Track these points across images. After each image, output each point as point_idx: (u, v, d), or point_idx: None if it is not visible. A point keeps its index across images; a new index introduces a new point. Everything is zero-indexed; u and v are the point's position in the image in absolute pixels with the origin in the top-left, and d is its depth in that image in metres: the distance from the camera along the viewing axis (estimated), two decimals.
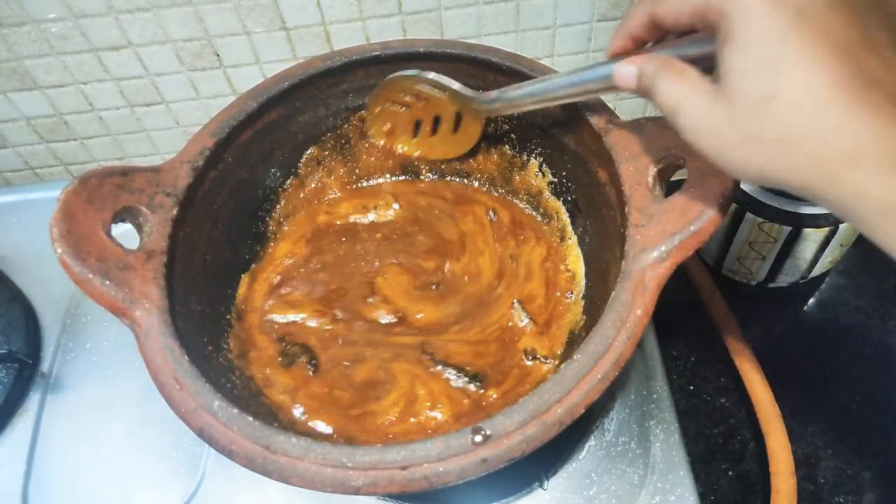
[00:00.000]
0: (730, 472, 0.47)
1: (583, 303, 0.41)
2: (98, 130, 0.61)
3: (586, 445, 0.44)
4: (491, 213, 0.47)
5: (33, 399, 0.50)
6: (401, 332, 0.42)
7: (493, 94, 0.41)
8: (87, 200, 0.32)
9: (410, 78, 0.43)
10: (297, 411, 0.38)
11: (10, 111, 0.58)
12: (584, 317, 0.40)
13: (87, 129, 0.61)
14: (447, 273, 0.44)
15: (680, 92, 0.25)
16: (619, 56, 0.30)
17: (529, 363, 0.40)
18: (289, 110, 0.43)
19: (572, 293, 0.43)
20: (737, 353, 0.50)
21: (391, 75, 0.44)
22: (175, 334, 0.31)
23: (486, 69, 0.43)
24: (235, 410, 0.29)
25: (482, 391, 0.39)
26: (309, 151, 0.47)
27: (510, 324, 0.42)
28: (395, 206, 0.48)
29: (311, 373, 0.40)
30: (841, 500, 0.45)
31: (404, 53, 0.43)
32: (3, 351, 0.50)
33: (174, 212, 0.35)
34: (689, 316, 0.54)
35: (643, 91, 0.28)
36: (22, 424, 0.49)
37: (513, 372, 0.40)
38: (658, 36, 0.29)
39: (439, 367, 0.39)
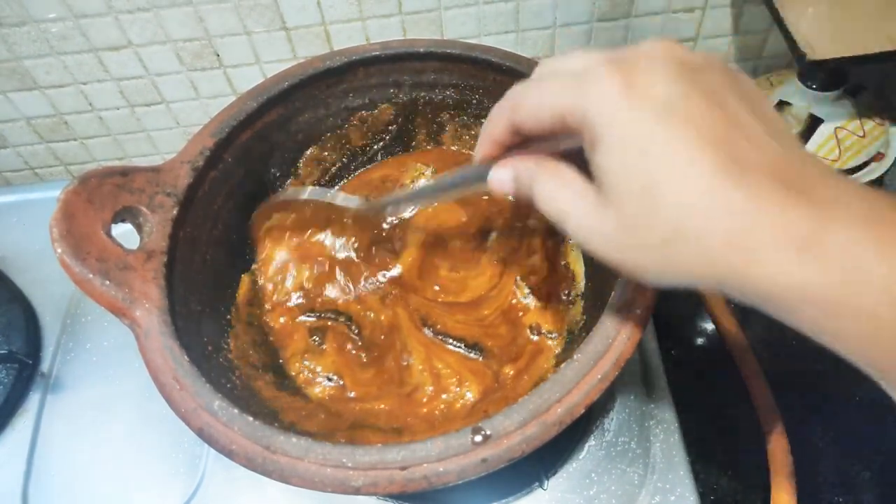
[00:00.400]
0: (730, 472, 0.46)
1: (583, 303, 0.41)
2: (98, 130, 0.61)
3: (586, 445, 0.44)
4: None
5: (33, 399, 0.50)
6: (385, 265, 0.44)
7: (378, 202, 0.39)
8: (87, 200, 0.32)
9: (290, 202, 0.42)
10: (351, 394, 0.39)
11: (10, 111, 0.58)
12: (584, 317, 0.40)
13: (87, 129, 0.61)
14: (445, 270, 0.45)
15: (562, 198, 0.24)
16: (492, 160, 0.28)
17: (536, 338, 0.40)
18: (289, 110, 0.43)
19: (571, 293, 0.43)
20: (737, 353, 0.49)
21: (268, 201, 0.42)
22: (175, 334, 0.31)
23: (486, 69, 0.43)
24: (235, 410, 0.29)
25: (499, 368, 0.39)
26: (309, 151, 0.47)
27: (514, 301, 0.42)
28: (430, 170, 0.48)
29: (353, 338, 0.41)
30: (841, 500, 0.45)
31: (404, 53, 0.43)
32: (3, 351, 0.50)
33: (174, 212, 0.35)
34: (690, 316, 0.54)
35: (522, 197, 0.27)
36: (22, 424, 0.49)
37: (527, 348, 0.40)
38: (521, 140, 0.27)
39: (440, 338, 0.41)
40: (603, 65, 0.22)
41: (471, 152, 0.49)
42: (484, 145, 0.28)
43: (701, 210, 0.20)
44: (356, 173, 0.49)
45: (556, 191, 0.24)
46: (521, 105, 0.25)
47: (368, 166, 0.50)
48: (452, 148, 0.50)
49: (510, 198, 0.28)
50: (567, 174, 0.24)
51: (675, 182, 0.20)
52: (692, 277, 0.21)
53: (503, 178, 0.27)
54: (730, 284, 0.21)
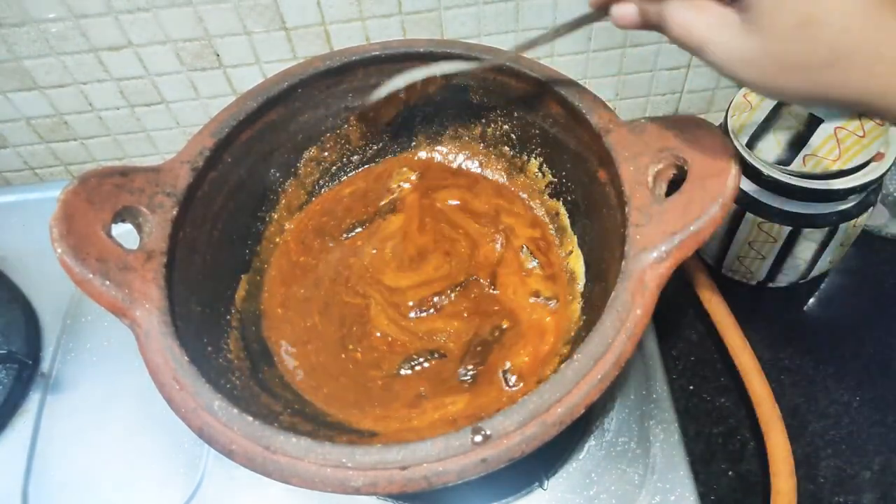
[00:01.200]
0: (730, 472, 0.47)
1: (582, 303, 0.41)
2: (98, 130, 0.61)
3: (586, 445, 0.44)
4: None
5: (33, 399, 0.50)
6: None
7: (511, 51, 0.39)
8: (87, 200, 0.32)
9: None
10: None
11: (10, 111, 0.58)
12: (584, 317, 0.40)
13: (87, 129, 0.61)
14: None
15: (700, 25, 0.24)
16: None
17: (535, 301, 0.42)
18: (289, 110, 0.43)
19: (571, 296, 0.43)
20: (737, 353, 0.49)
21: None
22: (175, 334, 0.31)
23: (485, 69, 0.43)
24: (235, 410, 0.29)
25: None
26: (309, 151, 0.47)
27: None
28: (415, 175, 0.49)
29: None
30: (841, 499, 0.45)
31: (404, 53, 0.43)
32: (3, 351, 0.50)
33: (174, 212, 0.35)
34: (689, 316, 0.54)
35: (650, 24, 0.27)
36: (22, 424, 0.49)
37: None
38: None
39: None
40: None
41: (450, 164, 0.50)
42: None
43: (859, 35, 0.21)
44: (331, 188, 0.49)
45: (692, 19, 0.25)
46: None
47: (343, 179, 0.49)
48: (450, 157, 0.50)
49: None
50: (700, 1, 0.25)
51: (833, 8, 0.21)
52: (837, 99, 0.23)
53: (626, 13, 0.28)
54: (879, 105, 0.22)
